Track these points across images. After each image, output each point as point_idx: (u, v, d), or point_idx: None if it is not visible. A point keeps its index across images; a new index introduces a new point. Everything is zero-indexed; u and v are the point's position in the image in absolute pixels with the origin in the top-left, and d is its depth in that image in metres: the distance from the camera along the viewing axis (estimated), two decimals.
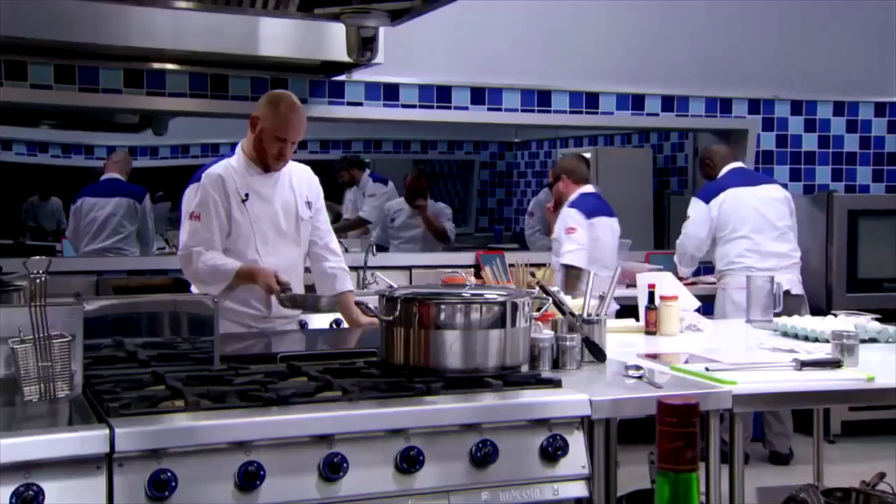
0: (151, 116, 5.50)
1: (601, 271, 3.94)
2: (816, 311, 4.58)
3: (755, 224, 4.58)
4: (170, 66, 4.45)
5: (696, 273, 5.03)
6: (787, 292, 4.38)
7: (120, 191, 5.15)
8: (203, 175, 3.08)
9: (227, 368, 2.25)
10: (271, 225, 3.10)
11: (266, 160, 3.08)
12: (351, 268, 4.84)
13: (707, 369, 2.29)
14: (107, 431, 1.70)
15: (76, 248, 5.12)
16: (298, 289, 3.07)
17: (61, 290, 3.02)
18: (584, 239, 4.39)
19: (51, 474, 1.65)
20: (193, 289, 3.11)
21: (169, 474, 1.71)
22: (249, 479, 1.76)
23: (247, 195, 3.07)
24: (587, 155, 5.21)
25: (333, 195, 6.52)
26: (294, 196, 3.16)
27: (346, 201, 6.44)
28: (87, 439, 1.69)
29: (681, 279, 3.99)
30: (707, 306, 4.54)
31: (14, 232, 5.74)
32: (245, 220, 3.05)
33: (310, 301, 2.73)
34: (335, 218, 6.14)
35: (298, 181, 3.20)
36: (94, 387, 2.00)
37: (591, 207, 4.51)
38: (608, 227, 4.54)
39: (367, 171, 6.40)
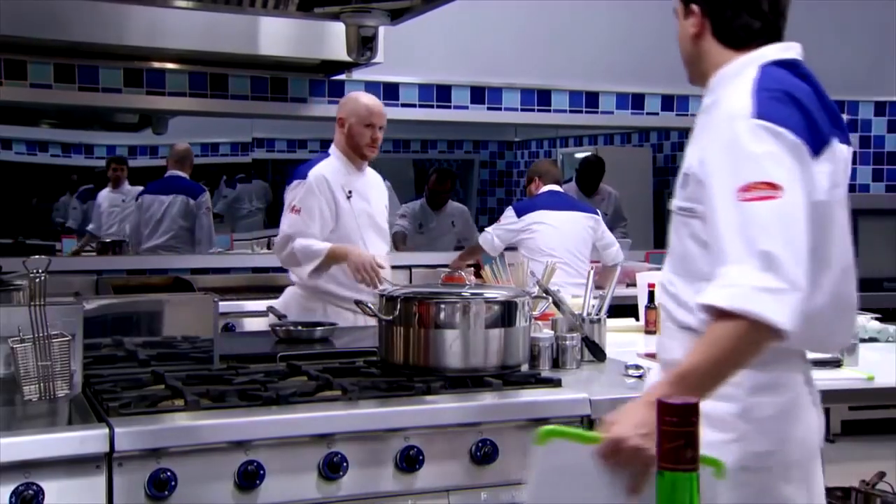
0: (151, 116, 5.49)
1: (541, 258, 4.00)
2: None
3: None
4: (169, 65, 4.45)
5: None
6: None
7: (179, 188, 5.16)
8: (309, 173, 3.35)
9: (227, 368, 2.25)
10: (369, 221, 3.45)
11: (361, 151, 3.41)
12: None
13: None
14: (106, 431, 1.70)
15: (135, 245, 5.16)
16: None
17: (61, 289, 3.02)
18: (500, 228, 4.59)
19: (50, 474, 1.65)
20: (293, 276, 3.43)
21: (169, 474, 1.71)
22: (249, 478, 1.76)
23: (350, 192, 3.39)
24: (586, 154, 5.23)
25: None
26: (380, 196, 3.56)
27: None
28: (86, 439, 1.69)
29: None
30: None
31: (14, 232, 5.74)
32: (350, 215, 3.37)
33: (304, 334, 2.75)
34: None
35: (379, 184, 3.60)
36: (94, 386, 2.00)
37: (530, 204, 4.63)
38: (556, 219, 4.51)
39: None
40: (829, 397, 2.49)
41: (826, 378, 2.34)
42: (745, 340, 1.44)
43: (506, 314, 2.15)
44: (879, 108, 5.86)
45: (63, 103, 4.49)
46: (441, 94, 4.99)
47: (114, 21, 3.73)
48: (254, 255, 5.10)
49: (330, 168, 3.39)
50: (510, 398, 2.03)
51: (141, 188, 5.51)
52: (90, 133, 5.74)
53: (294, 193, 3.35)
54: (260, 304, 3.91)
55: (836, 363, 2.42)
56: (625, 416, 1.43)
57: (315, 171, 3.34)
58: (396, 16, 3.02)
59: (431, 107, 4.99)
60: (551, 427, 1.42)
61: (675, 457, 0.81)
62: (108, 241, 5.18)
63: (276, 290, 4.39)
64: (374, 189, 3.53)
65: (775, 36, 1.66)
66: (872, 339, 2.87)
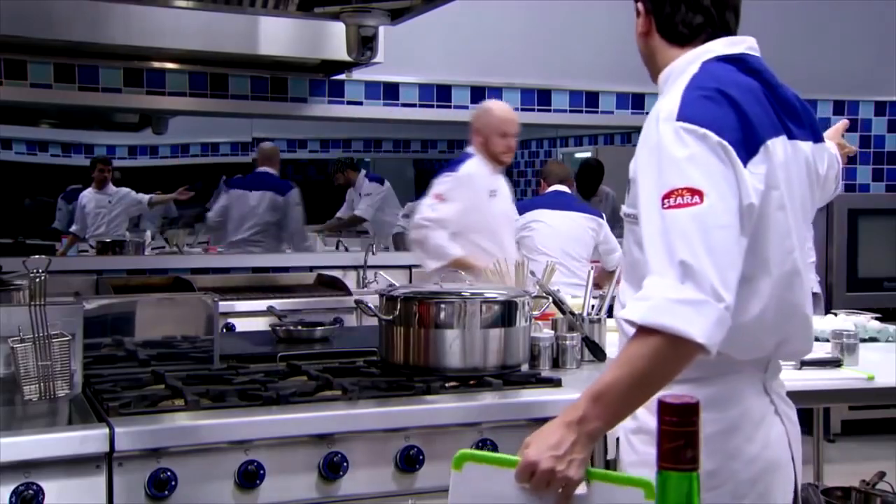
0: (151, 115, 5.50)
1: (537, 256, 4.11)
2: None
3: None
4: (169, 65, 4.45)
5: None
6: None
7: (267, 184, 5.21)
8: (460, 168, 3.76)
9: (227, 367, 2.25)
10: (507, 221, 3.85)
11: (498, 158, 3.82)
12: (351, 267, 4.87)
13: None
14: (106, 431, 1.70)
15: (219, 240, 5.23)
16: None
17: (61, 289, 3.02)
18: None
19: (50, 473, 1.64)
20: (426, 260, 3.75)
21: (169, 473, 1.71)
22: (249, 478, 1.76)
23: (493, 191, 3.77)
24: (585, 156, 5.24)
25: (330, 197, 6.54)
26: (510, 200, 3.95)
27: (347, 200, 6.45)
28: (86, 438, 1.68)
29: None
30: None
31: (14, 232, 5.74)
32: (491, 214, 3.74)
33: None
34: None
35: (507, 188, 4.00)
36: (94, 386, 2.00)
37: (530, 203, 4.77)
38: (554, 219, 4.53)
39: (363, 172, 6.40)
40: (830, 397, 2.50)
41: (826, 378, 2.34)
42: (663, 356, 1.37)
43: (506, 314, 2.15)
44: (880, 107, 5.86)
45: (63, 103, 4.49)
46: (441, 93, 4.99)
47: (114, 21, 3.72)
48: (254, 255, 5.10)
49: (476, 167, 3.79)
50: (510, 398, 2.03)
51: (127, 189, 5.51)
52: (90, 133, 5.75)
53: (442, 183, 3.74)
54: (260, 304, 3.91)
55: (836, 363, 2.42)
56: (540, 438, 1.38)
57: (465, 167, 3.76)
58: (396, 16, 3.01)
59: (432, 107, 4.99)
60: (467, 451, 1.39)
61: (675, 457, 0.81)
62: (108, 240, 5.19)
63: (276, 290, 4.41)
64: (507, 192, 3.94)
65: (721, 30, 1.58)
66: (873, 339, 2.87)
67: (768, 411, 1.57)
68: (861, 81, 5.74)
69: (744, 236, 1.42)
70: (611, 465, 1.86)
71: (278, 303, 3.85)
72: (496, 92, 5.06)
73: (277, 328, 2.78)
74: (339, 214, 6.36)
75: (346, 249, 5.41)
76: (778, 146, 1.50)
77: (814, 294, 4.90)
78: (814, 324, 2.95)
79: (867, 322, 2.96)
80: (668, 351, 1.36)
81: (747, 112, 1.46)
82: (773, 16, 5.48)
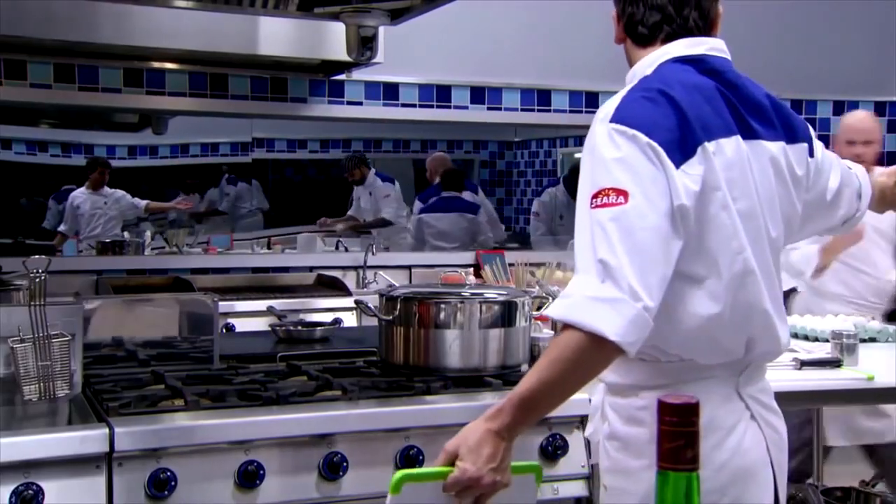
0: (151, 116, 5.50)
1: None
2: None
3: None
4: (169, 65, 4.45)
5: None
6: (793, 290, 4.38)
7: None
8: None
9: (227, 368, 2.25)
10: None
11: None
12: (350, 267, 4.87)
13: None
14: (106, 431, 1.70)
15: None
16: None
17: (61, 289, 3.02)
18: None
19: (50, 473, 1.65)
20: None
21: (169, 473, 1.71)
22: (249, 478, 1.76)
23: None
24: (578, 157, 5.28)
25: (339, 194, 6.54)
26: None
27: (354, 199, 6.46)
28: (86, 439, 1.69)
29: None
30: None
31: (14, 232, 5.74)
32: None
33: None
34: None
35: None
36: (94, 386, 2.00)
37: None
38: None
39: (373, 170, 6.42)
40: (830, 397, 2.50)
41: (826, 378, 2.34)
42: (582, 354, 1.38)
43: (506, 314, 2.15)
44: (879, 107, 5.86)
45: (63, 103, 4.49)
46: (441, 94, 4.99)
47: (113, 21, 3.72)
48: (254, 255, 5.10)
49: None
50: None
51: (122, 192, 5.52)
52: (90, 133, 5.75)
53: None
54: (260, 304, 3.91)
55: (836, 363, 2.42)
56: (472, 451, 1.38)
57: None
58: (396, 16, 3.01)
59: (431, 107, 4.98)
60: (404, 472, 1.39)
61: (676, 457, 0.81)
62: (107, 240, 5.19)
63: (276, 290, 4.41)
64: None
65: (681, 29, 1.58)
66: (872, 339, 2.87)
67: (742, 417, 1.55)
68: (860, 82, 5.74)
69: (678, 238, 1.42)
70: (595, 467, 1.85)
71: (278, 303, 3.85)
72: (496, 92, 5.06)
73: (277, 328, 2.78)
74: (350, 213, 6.38)
75: (346, 250, 5.40)
76: (727, 146, 1.49)
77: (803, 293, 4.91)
78: (812, 324, 2.97)
79: (867, 322, 2.96)
80: (585, 349, 1.38)
81: (688, 113, 1.46)
82: (772, 15, 5.48)
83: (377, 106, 4.88)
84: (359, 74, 4.59)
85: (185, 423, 1.80)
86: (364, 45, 3.03)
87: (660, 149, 1.42)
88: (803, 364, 2.38)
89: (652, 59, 1.58)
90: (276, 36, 4.01)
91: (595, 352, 1.38)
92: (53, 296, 1.99)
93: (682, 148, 1.43)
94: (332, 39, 3.82)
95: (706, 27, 1.61)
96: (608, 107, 1.50)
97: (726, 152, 1.48)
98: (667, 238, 1.40)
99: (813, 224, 1.76)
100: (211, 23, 3.69)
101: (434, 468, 1.42)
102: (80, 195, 5.47)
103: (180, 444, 1.75)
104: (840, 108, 5.80)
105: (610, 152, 1.43)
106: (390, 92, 4.88)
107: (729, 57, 1.62)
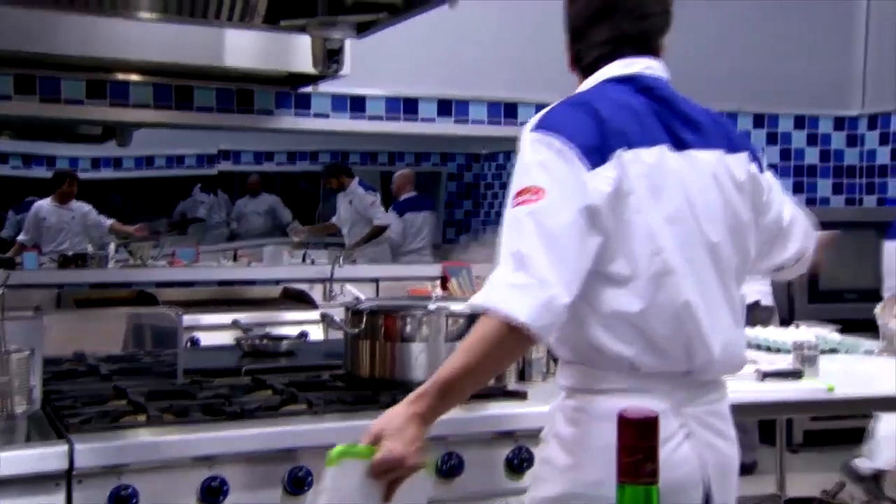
0: (115, 127, 5.45)
1: None
2: (780, 322, 4.64)
3: None
4: (134, 76, 4.41)
5: None
6: (756, 303, 4.43)
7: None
8: None
9: (191, 382, 2.22)
10: None
11: None
12: (317, 280, 4.85)
13: None
14: (66, 447, 1.67)
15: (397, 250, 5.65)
16: None
17: (21, 303, 2.97)
18: None
19: (8, 492, 1.62)
20: None
21: (130, 490, 1.69)
22: (212, 494, 1.74)
23: None
24: None
25: (306, 205, 6.53)
26: None
27: (338, 207, 6.45)
28: (45, 456, 1.66)
29: None
30: None
31: None
32: None
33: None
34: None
35: None
36: (54, 402, 1.97)
37: None
38: None
39: (357, 179, 6.43)
40: (791, 408, 2.53)
41: (786, 389, 2.37)
42: (497, 339, 1.45)
43: (471, 327, 2.15)
44: (839, 122, 5.97)
45: (24, 115, 4.43)
46: (408, 106, 5.00)
47: (76, 32, 3.68)
48: (219, 268, 5.06)
49: None
50: (476, 411, 2.03)
51: (89, 206, 5.44)
52: (52, 145, 5.68)
53: None
54: (226, 318, 3.88)
55: (797, 374, 2.45)
56: (397, 432, 1.43)
57: None
58: (363, 29, 3.01)
59: (398, 119, 4.99)
60: (343, 447, 1.41)
61: (635, 471, 0.82)
62: (70, 254, 5.12)
63: (242, 304, 4.38)
64: None
65: (619, 53, 1.66)
66: (833, 351, 2.91)
67: (675, 434, 1.56)
68: (821, 97, 5.84)
69: (595, 234, 1.50)
70: None
71: (244, 316, 3.81)
72: (463, 105, 5.08)
73: (243, 342, 2.76)
74: (334, 220, 6.39)
75: (313, 262, 5.38)
76: (646, 155, 1.55)
77: (766, 307, 4.99)
78: (774, 335, 3.00)
79: (828, 334, 3.00)
80: (499, 334, 1.45)
81: (608, 123, 1.54)
82: (737, 31, 5.56)
83: (344, 118, 4.88)
84: (325, 87, 4.59)
85: (148, 438, 1.77)
86: (330, 58, 3.03)
87: (574, 151, 1.51)
88: (765, 375, 2.41)
89: (592, 81, 1.68)
90: (242, 48, 3.99)
91: (508, 336, 1.45)
92: (13, 310, 1.96)
93: (596, 152, 1.52)
94: (299, 52, 3.81)
95: (645, 50, 1.69)
96: (535, 117, 1.60)
97: (646, 160, 1.55)
98: (582, 233, 1.48)
99: (769, 255, 1.81)
100: (176, 35, 3.66)
101: (361, 446, 1.46)
102: (45, 207, 5.39)
103: (142, 460, 1.73)
104: (801, 122, 5.90)
105: (530, 157, 1.53)
106: (357, 104, 4.88)
107: (664, 76, 1.69)
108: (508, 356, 1.54)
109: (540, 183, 1.49)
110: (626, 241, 1.53)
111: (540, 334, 1.46)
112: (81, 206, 5.44)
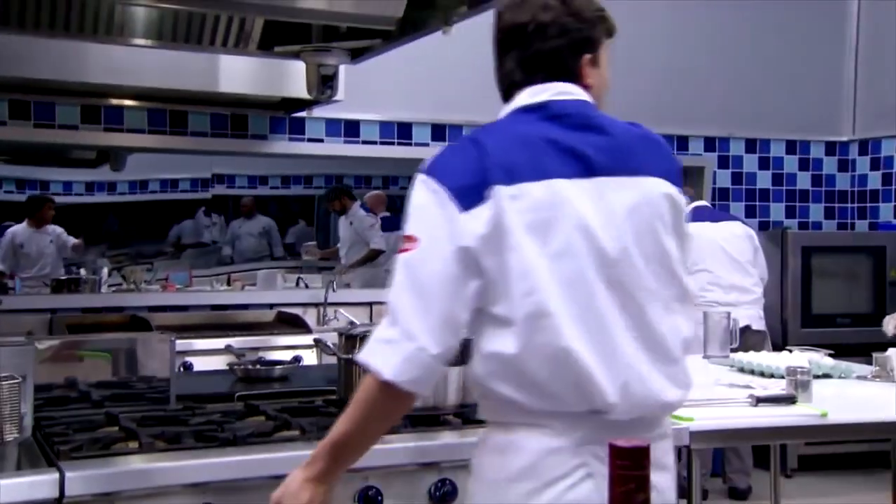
0: (109, 152, 5.45)
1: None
2: (773, 347, 4.64)
3: (715, 258, 4.65)
4: (128, 101, 4.43)
5: None
6: (747, 328, 4.45)
7: None
8: None
9: (184, 408, 2.21)
10: None
11: None
12: (311, 304, 4.84)
13: None
14: (56, 476, 1.66)
15: None
16: None
17: (13, 328, 2.96)
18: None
19: None
20: None
21: None
22: None
23: None
24: None
25: (301, 229, 6.52)
26: None
27: (339, 230, 6.47)
28: (35, 484, 1.65)
29: None
30: None
31: None
32: None
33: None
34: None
35: None
36: (45, 429, 1.96)
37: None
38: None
39: (359, 202, 6.44)
40: (784, 433, 2.53)
41: (780, 415, 2.37)
42: (372, 397, 1.47)
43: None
44: (830, 147, 6.01)
45: (18, 140, 4.44)
46: (402, 131, 5.02)
47: (71, 58, 3.70)
48: (213, 292, 5.04)
49: None
50: (470, 437, 2.01)
51: (61, 228, 5.40)
52: (46, 169, 5.67)
53: None
54: (219, 342, 3.86)
55: (790, 400, 2.45)
56: (293, 498, 1.48)
57: None
58: (357, 54, 3.03)
59: (392, 144, 5.01)
60: None
61: (627, 500, 0.82)
62: (63, 278, 5.09)
63: (235, 328, 4.36)
64: None
65: (530, 80, 1.60)
66: (826, 376, 2.91)
67: (573, 473, 1.49)
68: (812, 122, 5.89)
69: (472, 278, 1.47)
70: None
71: (237, 341, 3.80)
72: (457, 129, 5.10)
73: (236, 367, 2.75)
74: (339, 245, 6.38)
75: (307, 286, 5.38)
76: (534, 189, 1.48)
77: (758, 331, 4.97)
78: (768, 360, 3.00)
79: (821, 359, 3.00)
80: (375, 391, 1.47)
81: (492, 159, 1.49)
82: (729, 57, 5.61)
83: (338, 143, 4.90)
84: (320, 111, 4.61)
85: (139, 465, 1.76)
86: (324, 84, 3.05)
87: (447, 194, 1.48)
88: (759, 401, 2.41)
89: (503, 112, 1.64)
90: (237, 73, 4.01)
91: (383, 393, 1.46)
92: (5, 335, 1.95)
93: (473, 192, 1.48)
94: (293, 77, 3.83)
95: (562, 80, 1.61)
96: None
97: (533, 194, 1.49)
98: (454, 279, 1.46)
99: None
100: (171, 60, 3.68)
101: None
102: (22, 232, 5.30)
103: (134, 487, 1.71)
104: (792, 146, 5.94)
105: (413, 201, 1.52)
106: (351, 129, 4.90)
107: (582, 97, 1.61)
108: (389, 413, 1.52)
109: (414, 230, 1.49)
110: (505, 281, 1.47)
111: (413, 390, 1.46)
112: (55, 229, 5.37)
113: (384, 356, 1.45)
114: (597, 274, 1.50)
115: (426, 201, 1.50)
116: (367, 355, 1.48)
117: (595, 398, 1.49)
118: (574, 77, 1.61)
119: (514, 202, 1.48)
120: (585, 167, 1.52)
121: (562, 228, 1.49)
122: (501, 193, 1.48)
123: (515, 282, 1.47)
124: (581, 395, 1.49)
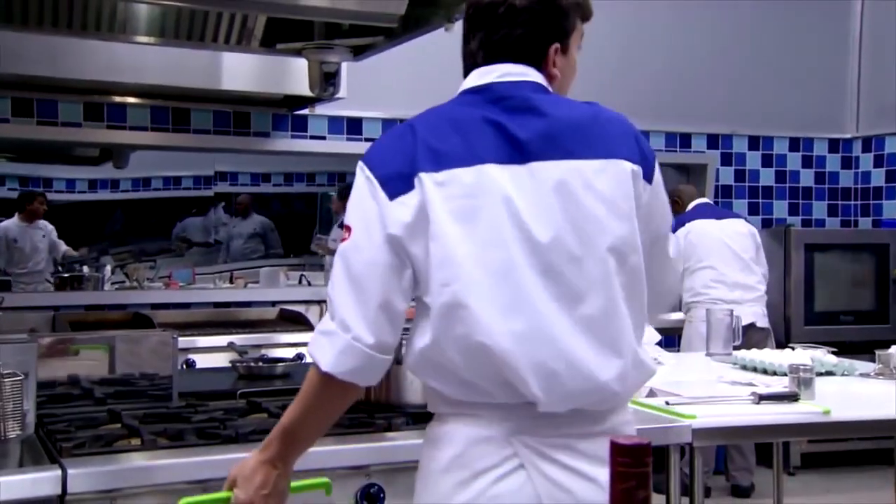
0: (112, 150, 5.45)
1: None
2: (776, 344, 4.64)
3: (720, 255, 4.65)
4: (131, 99, 4.43)
5: None
6: (751, 325, 4.44)
7: None
8: None
9: (186, 405, 2.22)
10: None
11: None
12: (314, 301, 4.85)
13: (667, 403, 2.31)
14: (59, 473, 1.66)
15: None
16: None
17: (16, 325, 2.97)
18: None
19: None
20: None
21: None
22: None
23: None
24: None
25: (303, 227, 6.52)
26: None
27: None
28: (38, 481, 1.65)
29: None
30: (671, 339, 4.58)
31: None
32: None
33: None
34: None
35: None
36: (47, 426, 1.96)
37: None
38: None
39: None
40: (787, 431, 2.52)
41: (783, 412, 2.36)
42: (315, 388, 1.49)
43: None
44: (833, 145, 6.00)
45: (21, 138, 4.44)
46: None
47: (74, 55, 3.70)
48: (215, 290, 5.05)
49: None
50: None
51: (52, 226, 5.39)
52: (49, 167, 5.68)
53: None
54: (221, 340, 3.87)
55: (793, 397, 2.44)
56: (246, 479, 1.49)
57: None
58: (359, 52, 3.04)
59: None
60: (189, 498, 1.48)
61: (628, 498, 0.81)
62: (66, 275, 5.10)
63: (238, 326, 4.37)
64: None
65: (483, 62, 1.55)
66: (829, 373, 2.91)
67: (505, 464, 1.45)
68: (816, 119, 5.88)
69: (405, 266, 1.45)
70: None
71: (239, 338, 3.81)
72: None
73: (238, 364, 2.75)
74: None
75: (309, 284, 5.38)
76: (464, 175, 1.44)
77: (761, 328, 4.97)
78: (770, 358, 2.99)
79: (823, 356, 3.00)
80: (316, 382, 1.48)
81: (423, 144, 1.46)
82: (731, 54, 5.60)
83: (340, 140, 4.89)
84: (322, 109, 4.61)
85: (142, 463, 1.77)
86: (327, 81, 3.05)
87: (376, 182, 1.47)
88: (761, 398, 2.41)
89: (457, 91, 1.60)
90: (239, 71, 4.01)
91: (323, 385, 1.48)
92: (7, 332, 1.95)
93: (401, 180, 1.45)
94: (295, 74, 3.83)
95: (514, 62, 1.55)
96: None
97: (464, 180, 1.44)
98: (387, 268, 1.45)
99: (650, 278, 1.55)
100: (174, 58, 3.68)
101: (216, 494, 1.52)
102: (13, 228, 5.30)
103: (136, 484, 1.72)
104: (796, 143, 5.93)
105: (353, 191, 1.52)
106: (354, 126, 4.90)
107: (530, 78, 1.53)
108: (334, 403, 1.52)
109: (349, 220, 1.49)
110: (427, 270, 1.44)
111: (353, 380, 1.46)
112: (46, 225, 5.37)
113: (322, 348, 1.46)
114: (527, 263, 1.43)
115: (360, 190, 1.49)
116: (310, 347, 1.50)
117: (521, 391, 1.44)
118: (538, 65, 1.55)
119: (442, 189, 1.44)
120: (519, 152, 1.46)
121: (490, 216, 1.43)
122: (428, 180, 1.44)
123: (434, 271, 1.43)
124: (506, 387, 1.44)
